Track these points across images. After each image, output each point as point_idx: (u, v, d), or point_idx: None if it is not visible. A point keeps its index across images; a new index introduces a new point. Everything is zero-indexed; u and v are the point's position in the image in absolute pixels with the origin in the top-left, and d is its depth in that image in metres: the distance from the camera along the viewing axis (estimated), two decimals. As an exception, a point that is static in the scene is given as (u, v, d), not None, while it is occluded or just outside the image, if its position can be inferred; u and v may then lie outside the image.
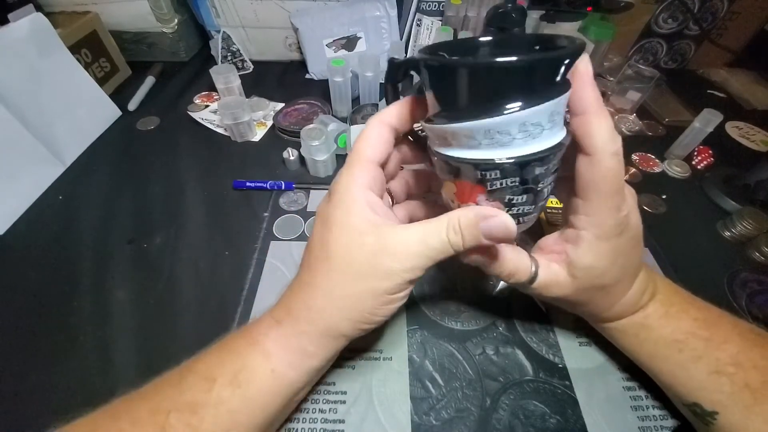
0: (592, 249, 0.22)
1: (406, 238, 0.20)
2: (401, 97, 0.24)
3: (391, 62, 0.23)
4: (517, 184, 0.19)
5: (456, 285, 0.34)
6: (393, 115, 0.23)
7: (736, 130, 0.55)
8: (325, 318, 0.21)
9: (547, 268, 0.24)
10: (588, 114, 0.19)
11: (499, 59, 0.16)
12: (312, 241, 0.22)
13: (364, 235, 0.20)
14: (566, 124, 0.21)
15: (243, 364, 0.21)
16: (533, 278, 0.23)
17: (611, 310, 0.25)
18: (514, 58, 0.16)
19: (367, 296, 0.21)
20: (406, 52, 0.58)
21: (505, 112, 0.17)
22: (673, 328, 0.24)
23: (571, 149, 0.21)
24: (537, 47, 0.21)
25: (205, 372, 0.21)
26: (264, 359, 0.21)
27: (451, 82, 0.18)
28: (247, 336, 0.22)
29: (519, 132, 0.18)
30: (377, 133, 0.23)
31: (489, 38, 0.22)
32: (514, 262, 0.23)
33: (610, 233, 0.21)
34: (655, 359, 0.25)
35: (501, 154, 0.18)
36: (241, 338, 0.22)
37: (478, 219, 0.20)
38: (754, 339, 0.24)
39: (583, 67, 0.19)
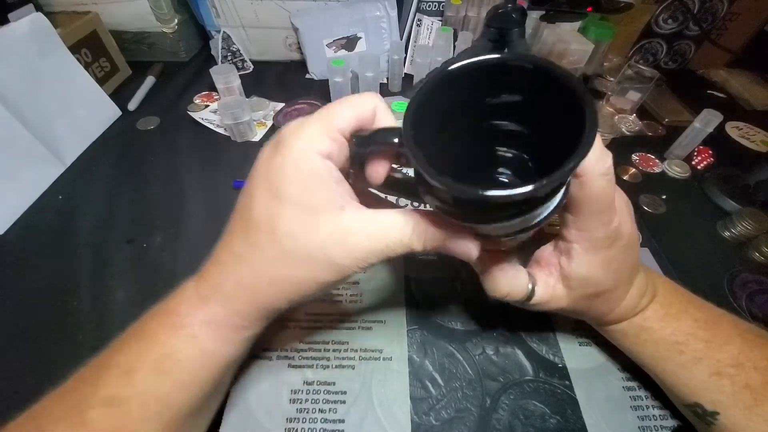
0: (584, 261, 0.22)
1: (366, 232, 0.18)
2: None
3: (359, 142, 0.19)
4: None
5: (456, 285, 0.34)
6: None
7: (736, 130, 0.55)
8: (261, 298, 0.20)
9: (544, 283, 0.24)
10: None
11: (540, 187, 0.13)
12: (252, 206, 0.19)
13: (321, 218, 0.18)
14: None
15: (165, 352, 0.19)
16: (530, 296, 0.23)
17: (610, 315, 0.25)
18: (551, 182, 0.13)
19: (311, 284, 0.19)
20: (406, 52, 0.58)
21: (545, 209, 0.17)
22: (674, 329, 0.24)
23: None
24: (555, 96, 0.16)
25: (124, 365, 0.19)
26: (191, 342, 0.19)
27: (485, 207, 0.16)
28: (168, 319, 0.20)
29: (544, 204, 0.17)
30: (367, 109, 0.19)
31: (491, 64, 0.16)
32: (508, 282, 0.23)
33: (599, 246, 0.22)
34: (656, 360, 0.25)
35: (529, 221, 0.18)
36: (161, 323, 0.20)
37: (446, 237, 0.19)
38: (754, 339, 0.24)
39: None
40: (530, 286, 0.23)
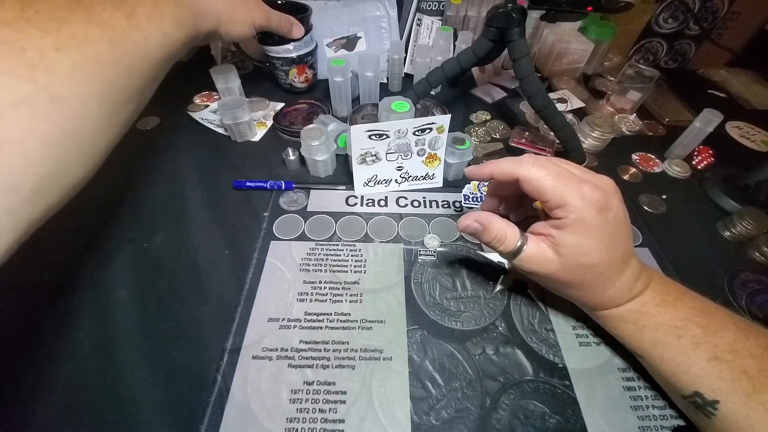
0: (575, 229, 0.24)
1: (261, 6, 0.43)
2: None
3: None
4: None
5: (456, 285, 0.34)
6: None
7: (736, 130, 0.55)
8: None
9: (535, 245, 0.26)
10: (496, 172, 0.27)
11: None
12: None
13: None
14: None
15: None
16: (520, 249, 0.26)
17: (606, 294, 0.26)
18: None
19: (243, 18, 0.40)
20: (406, 52, 0.58)
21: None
22: (671, 314, 0.25)
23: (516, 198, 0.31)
24: None
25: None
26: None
27: None
28: None
29: None
30: None
31: None
32: (502, 229, 0.27)
33: (585, 212, 0.23)
34: (656, 347, 0.25)
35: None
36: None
37: (278, 21, 0.46)
38: (748, 329, 0.24)
39: (468, 172, 0.29)
40: (519, 243, 0.26)
